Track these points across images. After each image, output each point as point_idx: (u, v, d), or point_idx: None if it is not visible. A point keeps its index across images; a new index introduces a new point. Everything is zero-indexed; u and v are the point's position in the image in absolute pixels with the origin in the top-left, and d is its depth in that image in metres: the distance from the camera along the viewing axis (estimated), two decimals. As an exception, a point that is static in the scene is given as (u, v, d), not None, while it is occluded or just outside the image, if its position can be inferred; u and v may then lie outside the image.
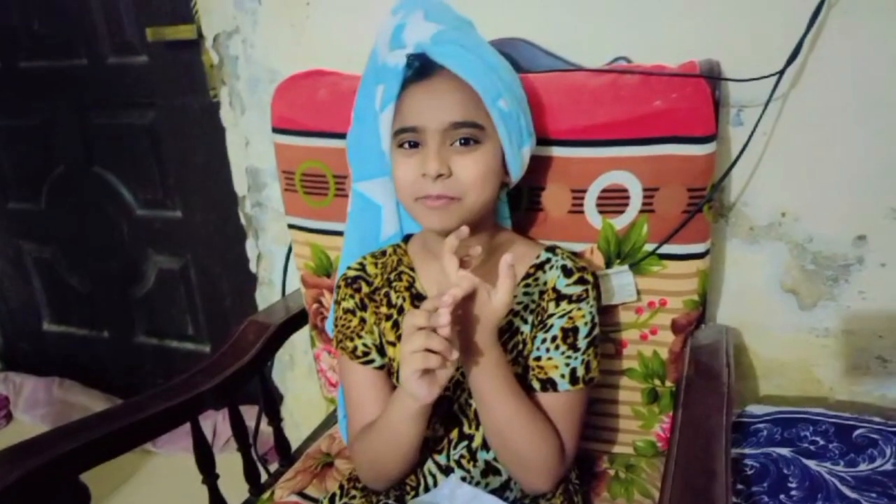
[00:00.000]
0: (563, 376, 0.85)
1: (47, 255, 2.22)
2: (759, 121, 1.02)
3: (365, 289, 0.93)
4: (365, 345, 0.91)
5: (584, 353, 0.85)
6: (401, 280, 0.93)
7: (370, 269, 0.95)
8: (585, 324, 0.86)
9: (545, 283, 0.88)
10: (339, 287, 0.96)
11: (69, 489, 0.84)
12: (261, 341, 1.15)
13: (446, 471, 0.89)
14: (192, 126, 1.73)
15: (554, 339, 0.86)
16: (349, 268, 0.96)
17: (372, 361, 0.91)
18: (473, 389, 0.81)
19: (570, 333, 0.85)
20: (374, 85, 0.91)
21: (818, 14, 0.96)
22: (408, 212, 0.86)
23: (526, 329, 0.88)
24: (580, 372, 0.85)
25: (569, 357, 0.85)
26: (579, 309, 0.86)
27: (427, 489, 0.89)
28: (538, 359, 0.86)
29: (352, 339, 0.92)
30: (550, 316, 0.87)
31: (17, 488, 0.76)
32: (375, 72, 0.92)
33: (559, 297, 0.87)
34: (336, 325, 0.95)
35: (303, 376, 1.74)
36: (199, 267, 1.97)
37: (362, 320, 0.92)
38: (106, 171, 1.96)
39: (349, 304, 0.93)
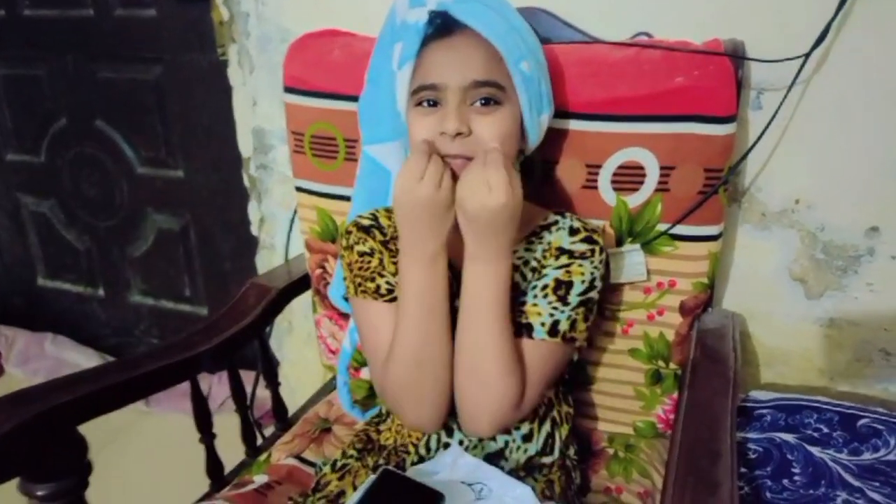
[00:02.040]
0: (542, 325, 0.82)
1: (45, 209, 2.19)
2: (780, 105, 1.00)
3: (379, 237, 0.91)
4: (388, 283, 0.88)
5: (572, 310, 0.83)
6: None
7: (383, 220, 0.93)
8: (582, 281, 0.84)
9: (549, 243, 0.88)
10: (349, 233, 0.92)
11: (66, 439, 0.83)
12: (261, 305, 1.14)
13: (448, 431, 0.88)
14: (199, 84, 1.70)
15: (545, 287, 0.84)
16: (360, 216, 0.94)
17: (396, 299, 0.86)
18: (465, 293, 0.80)
19: (562, 285, 0.83)
20: (392, 44, 0.89)
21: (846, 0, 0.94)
22: None
23: (525, 285, 0.87)
24: (563, 326, 0.82)
25: (555, 308, 0.83)
26: (580, 265, 0.84)
27: (428, 449, 0.88)
28: (523, 303, 0.84)
29: (373, 280, 0.88)
30: (546, 266, 0.86)
31: (14, 436, 0.75)
32: (393, 31, 0.90)
33: (561, 252, 0.86)
34: (351, 271, 0.91)
35: (301, 343, 1.74)
36: (199, 228, 1.95)
37: (381, 261, 0.89)
38: (108, 126, 1.93)
39: (364, 247, 0.90)
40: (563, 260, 0.85)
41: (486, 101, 0.79)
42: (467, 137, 0.78)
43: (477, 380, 0.81)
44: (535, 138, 0.86)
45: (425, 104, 0.80)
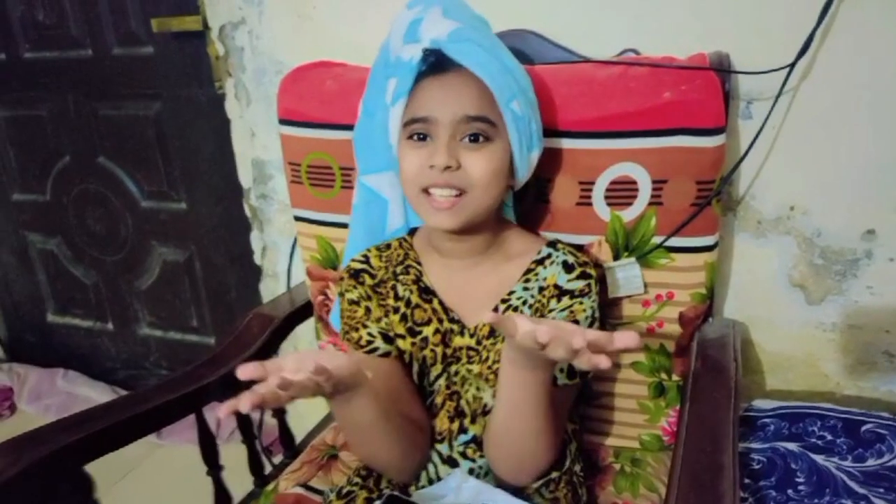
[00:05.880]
0: (561, 371, 0.84)
1: (52, 246, 2.22)
2: (769, 114, 1.01)
3: (369, 281, 0.93)
4: (370, 333, 0.91)
5: None
6: (408, 273, 0.92)
7: (374, 261, 0.95)
8: (586, 318, 0.85)
9: (545, 279, 0.88)
10: (342, 279, 0.95)
11: (73, 480, 0.84)
12: (265, 334, 1.15)
13: (448, 461, 0.89)
14: (198, 117, 1.72)
15: None
16: (353, 260, 0.96)
17: (376, 349, 0.90)
18: (507, 395, 0.77)
19: None
20: (386, 78, 0.90)
21: (829, 7, 0.95)
22: (412, 207, 0.85)
23: None
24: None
25: None
26: (581, 303, 0.85)
27: (429, 478, 0.89)
28: None
29: (357, 330, 0.91)
30: (551, 311, 0.86)
31: (21, 479, 0.76)
32: (387, 65, 0.91)
33: (561, 293, 0.86)
34: (342, 318, 0.94)
35: (307, 369, 1.74)
36: (203, 259, 1.96)
37: (368, 309, 0.92)
38: (111, 162, 1.96)
39: (353, 295, 0.93)
40: (565, 301, 0.85)
41: (476, 138, 0.80)
42: (456, 171, 0.78)
43: (520, 461, 0.82)
44: (523, 174, 0.87)
45: (415, 137, 0.81)
